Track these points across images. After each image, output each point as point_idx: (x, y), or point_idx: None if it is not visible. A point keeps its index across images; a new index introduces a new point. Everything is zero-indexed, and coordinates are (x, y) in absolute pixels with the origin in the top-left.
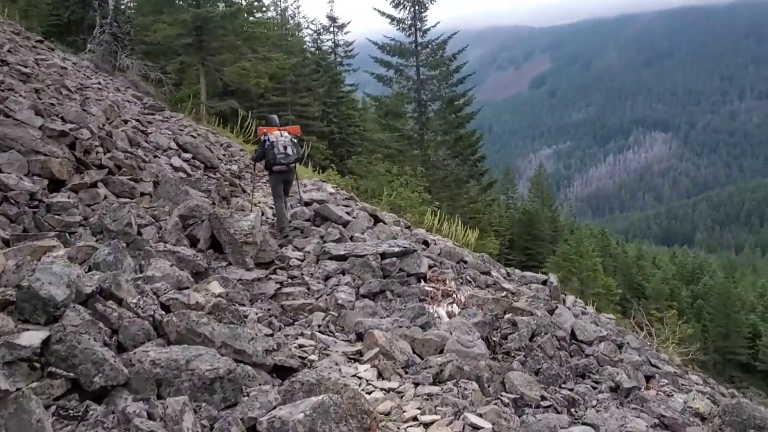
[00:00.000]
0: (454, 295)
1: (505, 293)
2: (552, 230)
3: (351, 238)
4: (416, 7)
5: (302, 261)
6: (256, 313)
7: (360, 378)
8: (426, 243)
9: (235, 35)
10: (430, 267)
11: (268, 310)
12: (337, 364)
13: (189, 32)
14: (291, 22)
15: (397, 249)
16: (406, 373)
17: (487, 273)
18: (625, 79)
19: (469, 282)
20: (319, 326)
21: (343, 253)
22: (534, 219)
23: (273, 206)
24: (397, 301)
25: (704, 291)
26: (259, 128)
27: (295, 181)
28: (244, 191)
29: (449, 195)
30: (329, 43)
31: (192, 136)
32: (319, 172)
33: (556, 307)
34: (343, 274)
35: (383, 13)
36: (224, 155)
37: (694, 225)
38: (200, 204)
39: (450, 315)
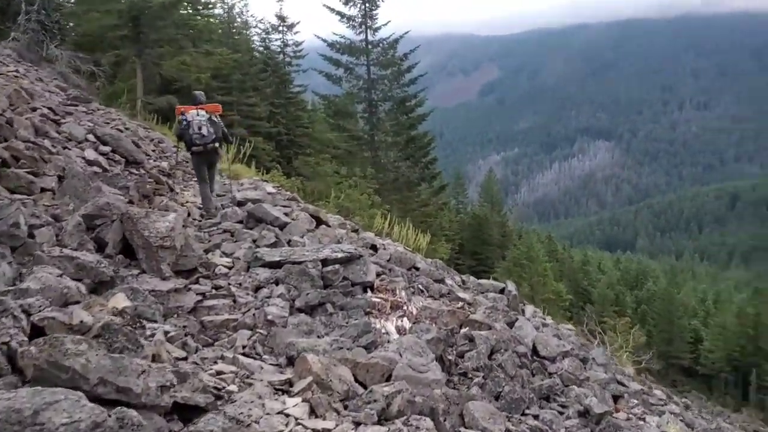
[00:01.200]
0: (405, 307)
1: (461, 304)
2: (501, 235)
3: (288, 243)
4: (367, 4)
5: (230, 268)
6: (168, 333)
7: (287, 416)
8: (374, 248)
9: (176, 27)
10: (378, 275)
11: (184, 327)
12: (260, 396)
13: (125, 23)
14: (238, 20)
15: (340, 255)
16: (345, 408)
17: (441, 281)
18: (571, 88)
19: (422, 291)
20: (243, 347)
21: (277, 259)
22: (483, 224)
23: (202, 206)
24: (339, 315)
25: (648, 296)
26: (176, 107)
27: (228, 180)
28: (172, 189)
29: (400, 198)
30: (278, 43)
31: (118, 129)
32: (263, 174)
33: (516, 319)
34: (277, 284)
35: (333, 10)
36: (154, 151)
37: (635, 231)
38: (112, 202)
39: (400, 330)
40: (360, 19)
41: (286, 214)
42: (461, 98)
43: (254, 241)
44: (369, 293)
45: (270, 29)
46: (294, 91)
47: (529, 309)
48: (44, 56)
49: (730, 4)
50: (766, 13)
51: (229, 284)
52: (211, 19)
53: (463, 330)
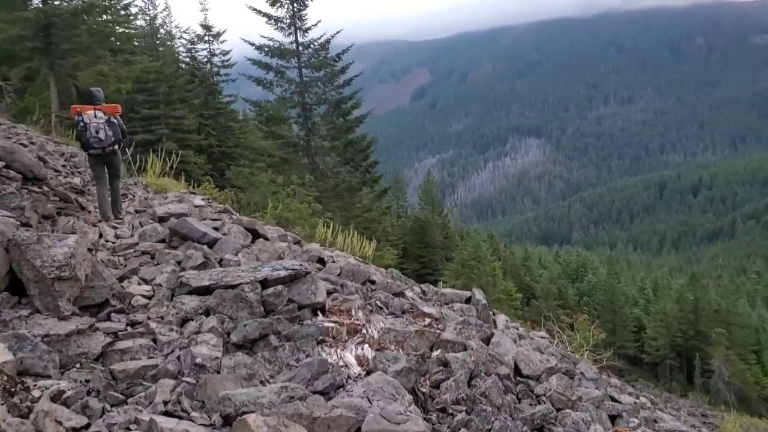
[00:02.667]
0: (365, 330)
1: (427, 321)
2: (444, 237)
3: (220, 262)
4: (295, 5)
5: (150, 298)
6: (63, 392)
7: None
8: (322, 261)
9: (90, 36)
10: (329, 294)
11: (86, 382)
12: None
13: (35, 33)
14: (162, 31)
15: (283, 273)
16: None
17: (401, 294)
18: (500, 89)
19: (381, 309)
20: (165, 403)
21: (207, 283)
22: (426, 227)
23: (118, 225)
24: (286, 348)
25: (589, 288)
26: (72, 107)
27: (137, 179)
28: (83, 208)
29: (342, 204)
30: (204, 53)
31: (21, 143)
32: (194, 187)
33: (492, 334)
34: (208, 315)
35: (260, 12)
36: (64, 166)
37: (570, 225)
38: None
39: (362, 361)
40: (288, 20)
41: (215, 229)
42: (394, 103)
43: (179, 262)
44: (320, 317)
45: (195, 39)
46: (224, 101)
47: (501, 319)
48: None
49: (647, 2)
50: (680, 8)
51: (149, 318)
52: (126, 23)
53: (435, 353)
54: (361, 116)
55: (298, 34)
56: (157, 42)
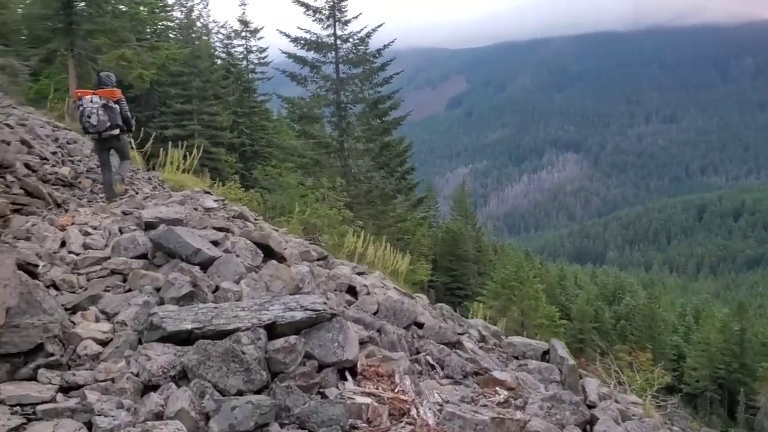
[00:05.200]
0: (415, 411)
1: (503, 395)
2: (476, 250)
3: (215, 292)
4: None
5: (106, 344)
6: None
7: None
8: (353, 291)
9: (114, 17)
10: (362, 344)
11: None
12: None
13: (56, 12)
14: (198, 24)
15: (299, 315)
16: None
17: (457, 344)
18: (538, 100)
19: (433, 368)
20: None
21: (189, 327)
22: (458, 239)
23: (93, 230)
24: None
25: (627, 311)
26: (74, 90)
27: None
28: (58, 205)
29: (374, 212)
30: (241, 49)
31: (6, 124)
32: (220, 185)
33: (592, 418)
34: (180, 381)
35: (297, 1)
36: (55, 153)
37: (605, 243)
38: None
39: None
40: (328, 11)
41: (215, 244)
42: (428, 111)
43: (158, 290)
44: (350, 383)
45: (232, 35)
46: (258, 99)
47: (592, 385)
48: None
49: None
50: (731, 26)
51: (94, 382)
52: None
53: None
54: (399, 118)
55: (337, 27)
56: (193, 35)
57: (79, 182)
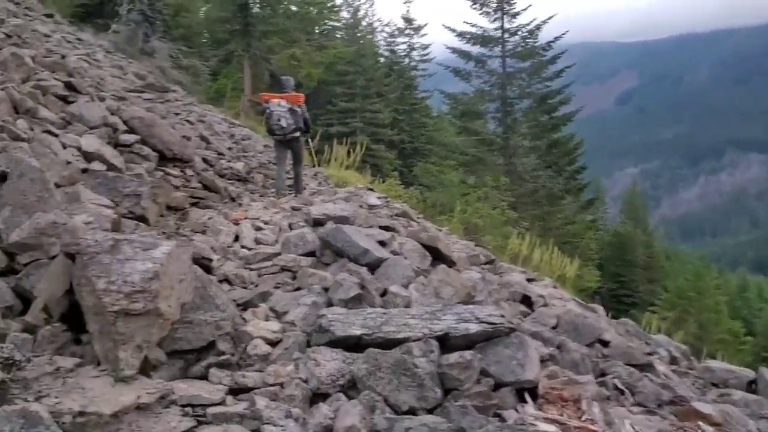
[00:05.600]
0: None
1: None
2: (647, 256)
3: (383, 295)
4: None
5: (276, 344)
6: None
7: None
8: (528, 301)
9: (286, 18)
10: (542, 361)
11: None
12: None
13: (233, 14)
14: (363, 23)
15: (475, 328)
16: None
17: (648, 366)
18: (718, 96)
19: (621, 393)
20: None
21: (358, 332)
22: (627, 243)
23: (264, 225)
24: None
25: None
26: (261, 94)
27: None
28: (233, 199)
29: (539, 213)
30: (404, 46)
31: (187, 120)
32: (380, 182)
33: None
34: (349, 391)
35: None
36: (230, 149)
37: None
38: (61, 223)
39: None
40: (495, 4)
41: (382, 244)
42: (596, 107)
43: (326, 289)
44: (530, 405)
45: (396, 32)
46: (419, 96)
47: None
48: (144, 49)
49: None
50: None
51: (263, 386)
52: (321, 4)
53: None
54: (569, 113)
55: (505, 20)
56: (358, 34)
57: (252, 177)
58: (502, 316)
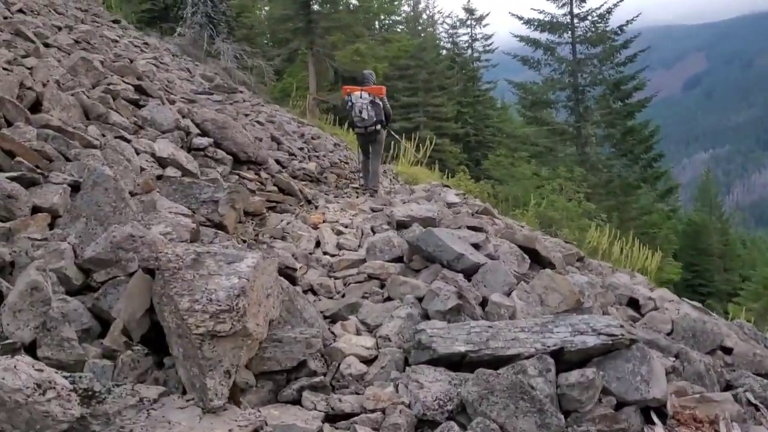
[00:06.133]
0: None
1: None
2: (722, 244)
3: (482, 305)
4: None
5: (371, 362)
6: None
7: None
8: (635, 304)
9: (348, 12)
10: (667, 374)
11: None
12: None
13: (295, 12)
14: (424, 16)
15: (592, 341)
16: None
17: None
18: None
19: (757, 409)
20: None
21: (462, 349)
22: (701, 231)
23: (345, 229)
24: None
25: None
26: (343, 87)
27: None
28: (309, 201)
29: (614, 204)
30: (466, 38)
31: (257, 121)
32: (448, 177)
33: None
34: (462, 414)
35: None
36: (302, 149)
37: None
38: (141, 236)
39: None
40: None
41: (476, 247)
42: (663, 93)
43: (420, 299)
44: (659, 428)
45: (457, 24)
46: (482, 88)
47: None
48: (209, 51)
49: None
50: None
51: (363, 411)
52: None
53: None
54: (644, 99)
55: (574, 4)
56: (419, 27)
57: (325, 177)
58: (622, 326)
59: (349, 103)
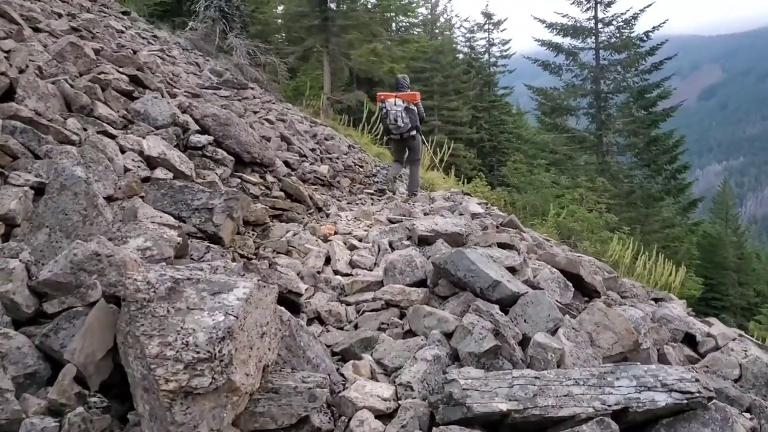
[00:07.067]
0: None
1: None
2: (737, 257)
3: (521, 344)
4: None
5: (388, 418)
6: None
7: None
8: (692, 341)
9: (366, 10)
10: None
11: None
12: None
13: (312, 9)
14: (441, 19)
15: (662, 400)
16: None
17: None
18: None
19: None
20: None
21: (504, 408)
22: (717, 244)
23: (359, 243)
24: None
25: None
26: (377, 94)
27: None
28: (320, 209)
29: (636, 216)
30: (483, 42)
31: (266, 119)
32: (463, 183)
33: None
34: None
35: None
36: (313, 150)
37: None
38: (108, 254)
39: None
40: None
41: (511, 270)
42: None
43: (448, 336)
44: None
45: (475, 28)
46: (498, 93)
47: None
48: (221, 46)
49: None
50: None
51: None
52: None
53: None
54: (669, 109)
55: (598, 9)
56: (436, 31)
57: (338, 181)
58: (697, 380)
59: (384, 110)
